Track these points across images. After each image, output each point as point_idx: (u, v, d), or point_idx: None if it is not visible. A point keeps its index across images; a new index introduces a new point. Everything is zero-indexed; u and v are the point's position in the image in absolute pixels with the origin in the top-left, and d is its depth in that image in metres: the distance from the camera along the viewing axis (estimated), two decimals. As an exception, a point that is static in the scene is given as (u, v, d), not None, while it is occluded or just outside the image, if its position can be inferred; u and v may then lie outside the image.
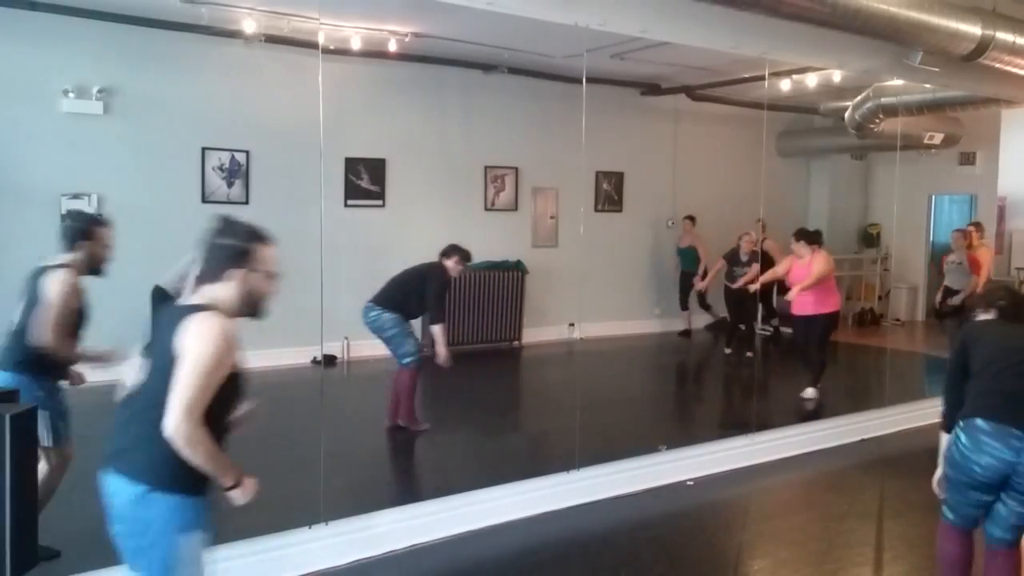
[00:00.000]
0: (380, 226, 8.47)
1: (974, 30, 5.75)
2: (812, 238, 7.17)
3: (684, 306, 10.21)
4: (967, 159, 10.82)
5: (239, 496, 2.43)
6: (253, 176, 7.79)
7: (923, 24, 5.50)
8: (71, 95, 6.83)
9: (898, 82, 7.51)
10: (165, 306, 2.54)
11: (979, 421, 3.08)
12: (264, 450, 5.53)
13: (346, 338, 8.05)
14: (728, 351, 9.02)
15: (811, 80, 8.32)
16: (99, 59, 6.95)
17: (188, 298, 2.38)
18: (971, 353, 3.27)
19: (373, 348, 8.32)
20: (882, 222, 11.74)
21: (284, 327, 7.41)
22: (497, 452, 5.77)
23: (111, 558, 3.64)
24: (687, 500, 5.00)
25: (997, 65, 6.16)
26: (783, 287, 7.74)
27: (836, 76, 7.84)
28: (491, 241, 9.16)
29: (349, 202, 8.33)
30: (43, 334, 3.48)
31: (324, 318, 4.52)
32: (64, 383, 3.83)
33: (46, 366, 3.63)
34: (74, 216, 3.94)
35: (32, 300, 3.61)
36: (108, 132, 7.01)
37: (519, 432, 6.46)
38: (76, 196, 6.89)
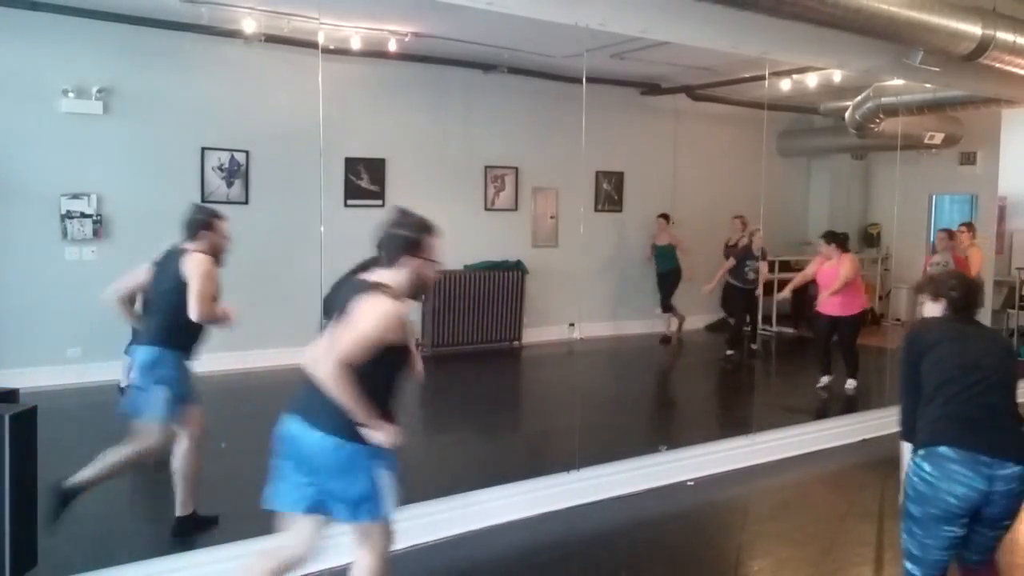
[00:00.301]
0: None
1: (974, 30, 5.74)
2: (840, 241, 7.34)
3: (666, 308, 10.01)
4: (967, 159, 10.81)
5: (379, 437, 2.68)
6: (253, 176, 7.79)
7: (923, 24, 5.50)
8: (71, 95, 6.83)
9: (898, 82, 7.51)
10: (348, 277, 2.88)
11: (943, 449, 2.79)
12: (265, 450, 5.53)
13: (346, 338, 8.06)
14: (730, 352, 9.00)
15: (811, 80, 8.32)
16: (99, 59, 6.95)
17: (370, 276, 2.74)
18: (923, 365, 2.93)
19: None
20: (882, 222, 11.73)
21: (284, 327, 7.44)
22: (497, 452, 5.77)
23: (112, 558, 3.66)
24: (687, 500, 5.00)
25: (997, 65, 6.16)
26: (805, 296, 7.88)
27: (836, 76, 7.83)
28: (491, 241, 9.17)
29: (349, 202, 8.33)
30: (204, 310, 3.81)
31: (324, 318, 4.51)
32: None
33: (184, 342, 3.95)
34: (197, 209, 4.24)
35: (172, 283, 3.89)
36: (108, 132, 7.01)
37: (519, 432, 6.46)
38: (76, 196, 6.89)
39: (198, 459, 4.05)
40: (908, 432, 3.01)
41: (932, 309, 3.09)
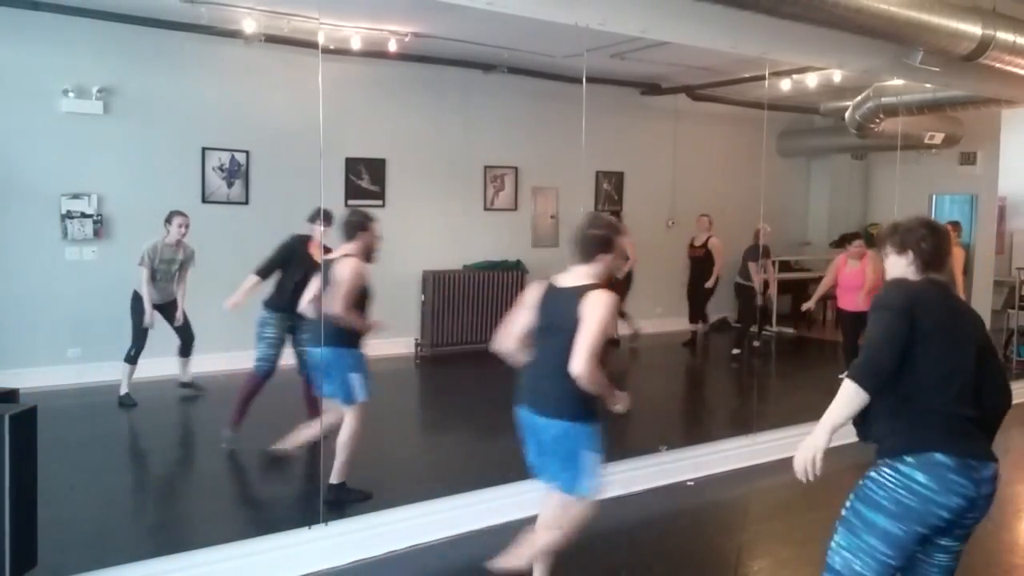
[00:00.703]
0: (380, 226, 8.46)
1: (974, 30, 5.75)
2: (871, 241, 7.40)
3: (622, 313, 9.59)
4: (967, 159, 10.81)
5: (620, 407, 3.31)
6: (253, 176, 7.79)
7: (923, 24, 5.50)
8: (71, 95, 6.83)
9: (898, 82, 7.50)
10: (552, 292, 3.31)
11: (940, 456, 2.42)
12: (265, 449, 5.53)
13: (346, 338, 8.06)
14: (737, 351, 8.98)
15: (811, 80, 8.32)
16: (99, 59, 6.95)
17: (567, 282, 3.26)
18: (916, 352, 2.44)
19: (373, 348, 8.36)
20: (882, 222, 11.73)
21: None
22: (497, 452, 5.76)
23: (112, 558, 3.66)
24: (687, 500, 5.00)
25: (997, 65, 6.16)
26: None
27: (836, 76, 7.83)
28: (491, 241, 9.17)
29: (349, 202, 8.31)
30: (336, 308, 4.27)
31: (323, 318, 4.51)
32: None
33: (353, 336, 4.44)
34: (352, 212, 4.70)
35: (329, 284, 4.35)
36: (108, 132, 7.01)
37: (519, 432, 6.45)
38: (76, 196, 6.90)
39: (359, 437, 4.51)
40: (872, 384, 2.43)
41: (896, 264, 2.64)
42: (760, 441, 5.67)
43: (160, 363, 6.44)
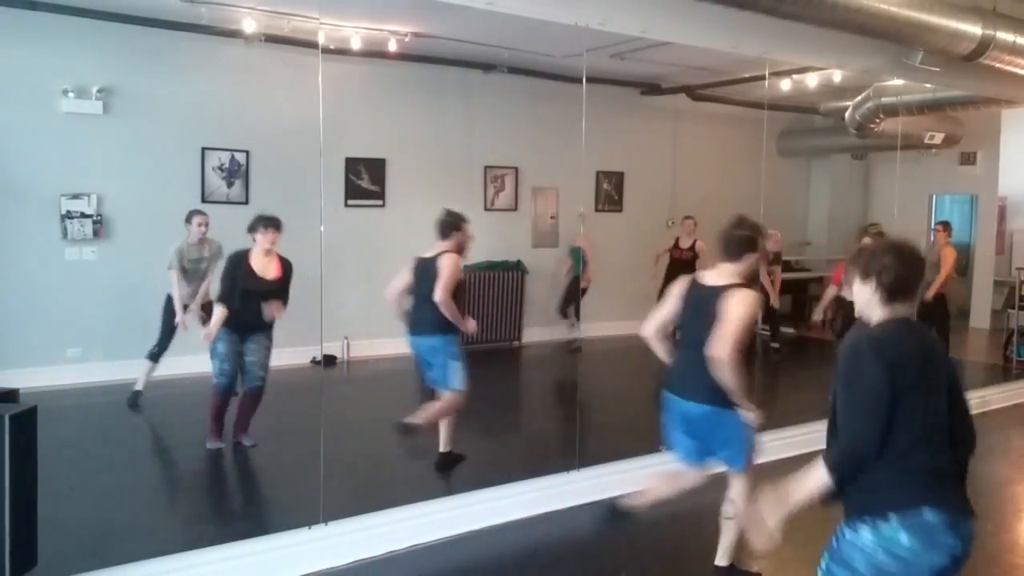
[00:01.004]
0: (380, 226, 8.47)
1: (974, 30, 5.75)
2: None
3: (566, 313, 9.12)
4: (967, 159, 10.82)
5: (754, 418, 3.49)
6: (253, 176, 7.79)
7: (923, 24, 5.50)
8: (71, 95, 6.83)
9: (898, 82, 7.51)
10: (697, 287, 3.54)
11: (928, 514, 2.18)
12: (264, 450, 5.53)
13: (346, 338, 8.06)
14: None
15: (811, 80, 8.32)
16: (99, 59, 6.95)
17: (713, 279, 3.49)
18: (899, 402, 2.21)
19: (373, 348, 8.37)
20: (882, 222, 11.71)
21: (284, 327, 7.43)
22: (497, 452, 5.77)
23: (112, 558, 3.66)
24: (687, 500, 4.99)
25: (997, 65, 6.17)
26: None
27: (836, 76, 7.83)
28: (491, 241, 9.16)
29: (349, 202, 8.33)
30: (444, 296, 4.71)
31: (324, 318, 4.51)
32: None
33: (453, 326, 4.83)
34: (447, 213, 4.99)
35: (429, 278, 4.75)
36: (108, 132, 7.01)
37: (519, 432, 6.45)
38: (76, 196, 6.90)
39: (451, 416, 5.08)
40: (847, 472, 2.26)
41: (860, 291, 2.40)
42: (760, 441, 5.66)
43: (163, 362, 6.42)
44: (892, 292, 2.34)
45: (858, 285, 2.41)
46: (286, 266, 5.35)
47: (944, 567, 2.21)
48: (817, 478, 2.30)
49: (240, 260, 5.23)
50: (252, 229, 5.26)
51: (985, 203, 10.88)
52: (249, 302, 5.14)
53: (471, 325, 4.95)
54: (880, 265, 2.35)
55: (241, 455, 5.40)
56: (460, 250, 4.90)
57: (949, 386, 2.33)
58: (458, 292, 4.85)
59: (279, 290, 5.28)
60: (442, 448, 5.12)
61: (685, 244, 9.33)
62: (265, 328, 5.35)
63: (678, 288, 3.66)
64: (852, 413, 2.26)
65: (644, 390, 8.15)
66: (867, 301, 2.39)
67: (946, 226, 8.56)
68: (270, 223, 5.25)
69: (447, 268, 4.74)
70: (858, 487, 2.27)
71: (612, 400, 7.07)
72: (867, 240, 7.41)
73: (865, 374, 2.24)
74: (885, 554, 2.20)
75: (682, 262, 9.33)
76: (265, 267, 5.24)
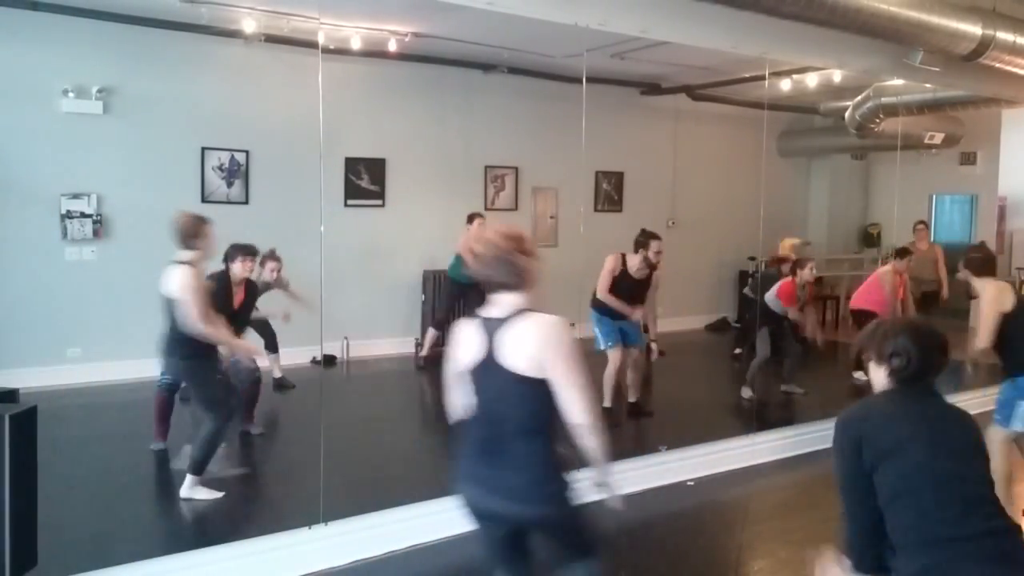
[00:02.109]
0: (380, 226, 8.47)
1: (974, 30, 5.75)
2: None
3: (443, 327, 7.71)
4: (968, 159, 10.82)
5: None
6: (253, 176, 7.79)
7: (923, 24, 5.50)
8: (71, 95, 6.83)
9: (898, 82, 7.51)
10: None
11: None
12: (264, 450, 5.53)
13: (346, 338, 8.05)
14: (738, 351, 8.86)
15: (811, 80, 8.32)
16: (99, 59, 6.95)
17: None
18: (878, 478, 2.03)
19: (373, 348, 8.38)
20: (882, 222, 11.73)
21: (284, 327, 7.43)
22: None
23: (112, 558, 3.66)
24: (687, 500, 5.00)
25: (997, 65, 6.17)
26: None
27: (836, 76, 7.83)
28: (491, 241, 9.16)
29: (349, 202, 8.33)
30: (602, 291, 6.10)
31: (324, 318, 4.51)
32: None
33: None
34: (641, 232, 6.14)
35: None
36: (108, 132, 7.01)
37: (519, 432, 6.45)
38: (76, 196, 6.90)
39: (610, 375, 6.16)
40: (869, 561, 2.08)
41: (875, 374, 2.19)
42: (760, 441, 5.67)
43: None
44: (909, 380, 2.12)
45: (873, 367, 2.20)
46: (251, 291, 5.38)
47: None
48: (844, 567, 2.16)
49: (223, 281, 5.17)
50: (229, 258, 5.20)
51: (985, 203, 10.88)
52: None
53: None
54: (892, 350, 2.12)
55: (241, 455, 5.40)
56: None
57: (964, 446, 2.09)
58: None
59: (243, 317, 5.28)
60: (631, 398, 6.32)
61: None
62: (244, 327, 5.37)
63: None
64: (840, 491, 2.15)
65: (644, 390, 8.14)
66: (880, 385, 2.19)
67: (925, 225, 8.70)
68: (248, 252, 5.23)
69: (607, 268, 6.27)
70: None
71: (612, 400, 7.05)
72: (890, 264, 7.32)
73: (835, 452, 2.14)
74: None
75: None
76: (237, 289, 5.23)
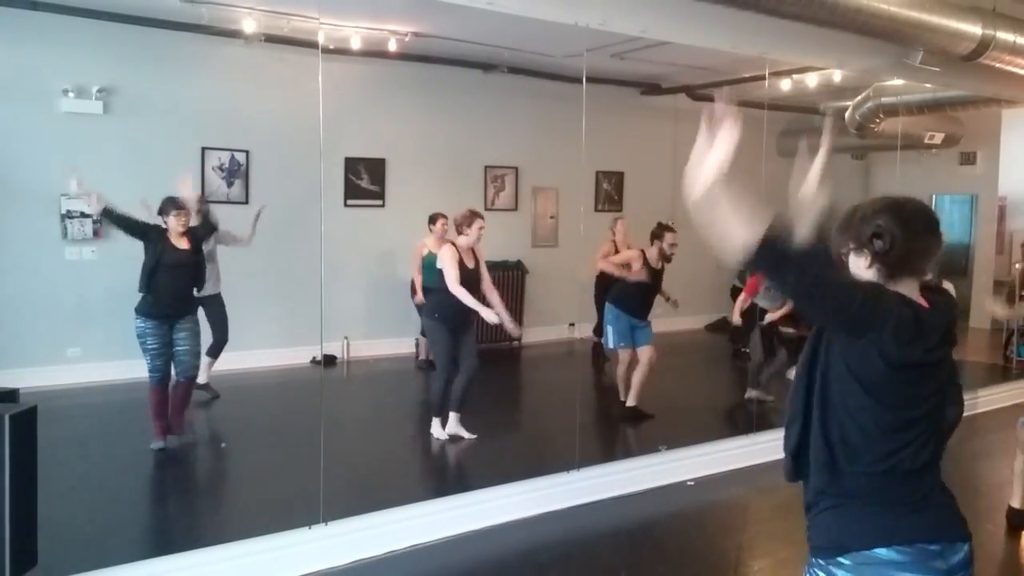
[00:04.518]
0: (380, 226, 8.47)
1: (974, 30, 5.75)
2: None
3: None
4: (968, 159, 10.82)
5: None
6: (253, 176, 7.79)
7: (923, 24, 5.50)
8: (71, 95, 6.83)
9: (898, 82, 7.51)
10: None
11: (884, 553, 1.80)
12: (264, 450, 5.54)
13: (346, 338, 8.06)
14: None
15: (811, 80, 8.32)
16: (99, 59, 6.95)
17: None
18: (878, 391, 1.78)
19: (373, 348, 8.38)
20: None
21: (284, 327, 7.45)
22: (497, 452, 5.77)
23: (112, 558, 3.66)
24: (687, 500, 5.00)
25: (997, 65, 6.16)
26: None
27: (836, 76, 7.83)
28: (491, 241, 9.13)
29: (349, 202, 8.33)
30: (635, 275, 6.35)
31: (324, 318, 4.51)
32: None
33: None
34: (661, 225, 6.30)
35: None
36: (108, 132, 7.01)
37: (519, 432, 6.46)
38: (76, 196, 6.89)
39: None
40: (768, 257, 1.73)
41: (856, 265, 1.89)
42: (760, 441, 5.67)
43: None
44: (894, 265, 1.83)
45: (854, 257, 1.89)
46: (194, 234, 5.36)
47: None
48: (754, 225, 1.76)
49: (160, 230, 5.26)
50: (163, 212, 5.30)
51: (985, 203, 10.88)
52: (172, 278, 5.16)
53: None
54: (876, 229, 1.84)
55: (241, 455, 5.41)
56: (666, 256, 6.50)
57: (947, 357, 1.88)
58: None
59: (194, 258, 5.30)
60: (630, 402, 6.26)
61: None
62: (192, 310, 5.34)
63: None
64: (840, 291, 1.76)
65: (644, 390, 8.15)
66: (866, 279, 1.88)
67: None
68: (180, 207, 5.28)
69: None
70: (813, 508, 1.96)
71: (612, 400, 7.06)
72: None
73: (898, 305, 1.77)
74: None
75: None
76: (179, 241, 5.28)
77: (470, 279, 5.54)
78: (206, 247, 5.85)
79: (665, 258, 6.36)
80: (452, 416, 5.63)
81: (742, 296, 6.98)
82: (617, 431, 6.48)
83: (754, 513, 4.87)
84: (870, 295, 1.76)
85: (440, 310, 5.58)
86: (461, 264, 5.48)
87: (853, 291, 1.75)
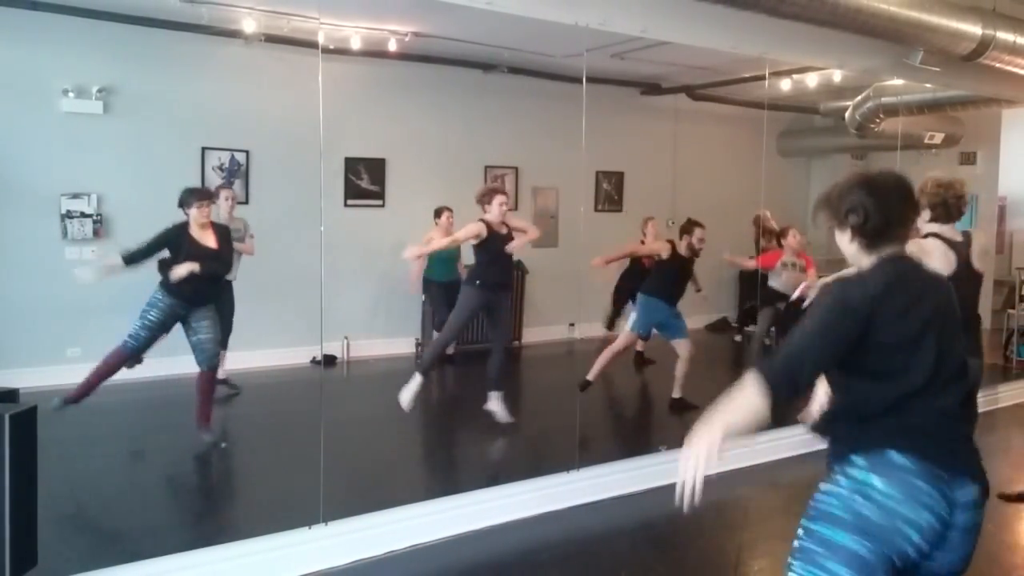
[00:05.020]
0: (380, 226, 8.47)
1: (974, 30, 5.75)
2: None
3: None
4: (968, 159, 10.82)
5: None
6: (253, 176, 7.79)
7: (923, 24, 5.50)
8: (71, 95, 6.83)
9: (898, 82, 7.51)
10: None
11: (896, 456, 1.89)
12: (264, 450, 5.53)
13: (346, 338, 8.06)
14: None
15: (811, 80, 8.32)
16: (99, 59, 6.94)
17: None
18: (879, 337, 1.90)
19: (373, 348, 8.37)
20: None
21: (284, 327, 7.45)
22: (497, 452, 5.77)
23: (112, 558, 3.66)
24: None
25: (997, 65, 6.17)
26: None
27: (836, 76, 7.83)
28: (491, 241, 9.17)
29: (349, 202, 8.33)
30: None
31: (324, 318, 4.51)
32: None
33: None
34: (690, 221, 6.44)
35: None
36: (108, 132, 7.01)
37: (519, 432, 6.45)
38: (76, 196, 6.90)
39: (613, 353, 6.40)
40: (786, 391, 1.91)
41: (840, 241, 2.06)
42: (760, 441, 5.66)
43: (163, 363, 6.42)
44: (872, 235, 1.97)
45: (838, 233, 2.04)
46: (222, 233, 5.33)
47: (932, 528, 1.85)
48: (745, 391, 1.95)
49: (181, 231, 5.20)
50: (184, 204, 5.24)
51: (985, 203, 10.87)
52: (194, 275, 5.10)
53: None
54: (850, 204, 1.98)
55: (241, 455, 5.41)
56: (694, 251, 6.63)
57: (944, 319, 1.97)
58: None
59: (218, 258, 5.26)
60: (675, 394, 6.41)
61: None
62: (213, 299, 5.32)
63: None
64: (802, 343, 1.93)
65: (644, 390, 8.15)
66: (850, 252, 2.03)
67: None
68: (204, 196, 5.27)
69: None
70: (835, 435, 2.04)
71: (612, 400, 7.07)
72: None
73: (826, 311, 1.93)
74: (862, 496, 1.88)
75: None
76: (203, 236, 5.24)
77: (495, 240, 5.79)
78: None
79: (694, 252, 6.54)
80: (494, 394, 5.79)
81: (756, 264, 7.28)
82: (617, 431, 6.48)
83: (754, 513, 4.87)
84: (816, 344, 1.92)
85: (479, 276, 5.75)
86: (490, 229, 5.71)
87: (814, 352, 1.92)
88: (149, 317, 5.15)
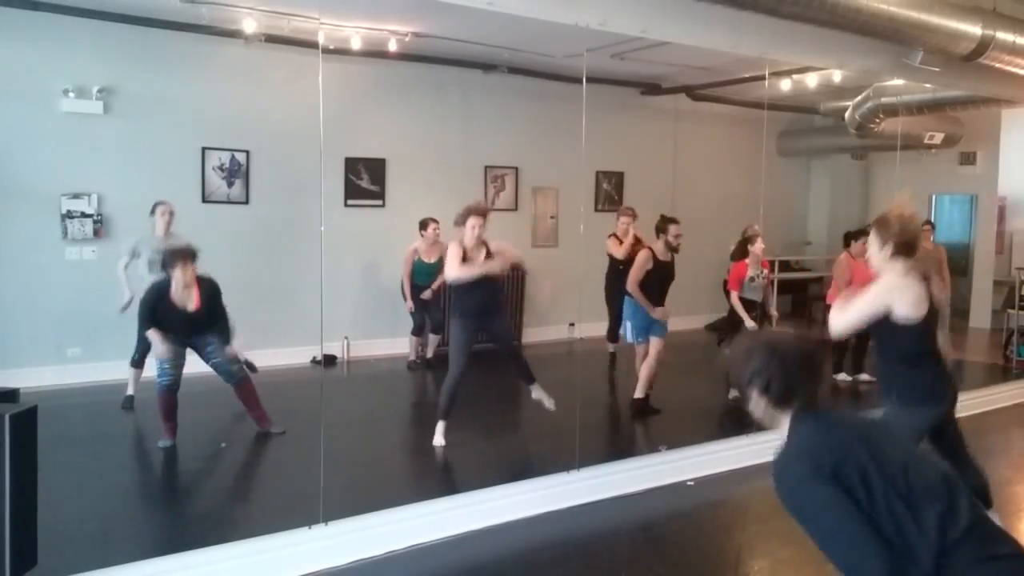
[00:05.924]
0: (380, 226, 8.47)
1: (974, 30, 5.75)
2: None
3: (421, 331, 8.11)
4: (967, 159, 10.83)
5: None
6: (253, 176, 7.79)
7: (923, 24, 5.50)
8: (71, 95, 6.83)
9: (898, 82, 7.51)
10: None
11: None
12: (264, 450, 5.54)
13: (346, 338, 8.06)
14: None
15: (811, 80, 8.32)
16: (99, 59, 6.94)
17: None
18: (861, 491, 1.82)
19: (373, 348, 8.38)
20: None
21: (284, 327, 7.45)
22: (497, 452, 5.77)
23: (112, 558, 3.66)
24: (687, 500, 5.00)
25: (997, 65, 6.17)
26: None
27: (836, 76, 7.84)
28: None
29: (349, 202, 8.33)
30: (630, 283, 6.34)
31: (324, 318, 4.52)
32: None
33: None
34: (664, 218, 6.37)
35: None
36: (108, 132, 7.01)
37: (519, 432, 6.45)
38: (76, 196, 6.90)
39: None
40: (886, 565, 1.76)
41: (757, 408, 2.06)
42: (760, 441, 5.66)
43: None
44: (779, 398, 1.98)
45: (752, 401, 2.04)
46: (208, 290, 5.20)
47: None
48: None
49: (160, 296, 5.09)
50: (168, 265, 5.04)
51: (985, 203, 10.89)
52: (176, 331, 5.14)
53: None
54: (752, 371, 2.00)
55: (240, 455, 5.41)
56: (673, 248, 6.34)
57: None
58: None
59: (204, 319, 5.19)
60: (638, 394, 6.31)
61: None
62: (207, 330, 5.28)
63: None
64: (838, 542, 1.82)
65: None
66: (762, 412, 2.03)
67: (932, 226, 8.49)
68: (187, 256, 5.03)
69: (637, 262, 6.32)
70: None
71: (612, 400, 7.07)
72: (843, 255, 7.28)
73: (815, 497, 1.84)
74: None
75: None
76: (185, 297, 5.13)
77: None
78: None
79: (672, 249, 6.35)
80: (532, 387, 5.78)
81: (733, 294, 6.92)
82: (617, 431, 6.48)
83: (754, 513, 4.86)
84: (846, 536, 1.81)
85: (460, 306, 5.51)
86: (465, 255, 5.36)
87: (850, 530, 1.80)
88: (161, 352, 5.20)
